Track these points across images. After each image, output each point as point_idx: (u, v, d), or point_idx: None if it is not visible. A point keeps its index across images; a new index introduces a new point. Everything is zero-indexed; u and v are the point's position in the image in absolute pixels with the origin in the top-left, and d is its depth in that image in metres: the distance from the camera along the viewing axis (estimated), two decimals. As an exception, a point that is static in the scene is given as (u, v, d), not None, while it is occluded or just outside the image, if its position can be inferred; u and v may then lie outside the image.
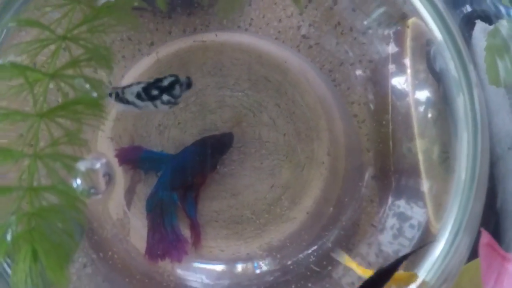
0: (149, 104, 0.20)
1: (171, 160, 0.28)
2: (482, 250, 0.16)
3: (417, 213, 0.25)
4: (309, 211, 0.28)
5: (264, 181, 0.29)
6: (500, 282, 0.16)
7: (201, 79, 0.29)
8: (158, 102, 0.20)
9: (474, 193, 0.20)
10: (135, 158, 0.27)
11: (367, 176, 0.29)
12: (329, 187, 0.28)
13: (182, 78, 0.21)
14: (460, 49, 0.21)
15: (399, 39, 0.27)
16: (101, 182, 0.23)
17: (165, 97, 0.20)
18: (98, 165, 0.24)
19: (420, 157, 0.26)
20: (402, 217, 0.25)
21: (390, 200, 0.27)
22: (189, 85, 0.21)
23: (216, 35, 0.29)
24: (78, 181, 0.22)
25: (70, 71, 0.18)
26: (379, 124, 0.29)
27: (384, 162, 0.28)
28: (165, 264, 0.27)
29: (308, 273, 0.27)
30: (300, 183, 0.29)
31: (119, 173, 0.25)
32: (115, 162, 0.24)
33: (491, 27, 0.23)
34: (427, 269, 0.22)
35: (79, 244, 0.19)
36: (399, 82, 0.28)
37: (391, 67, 0.28)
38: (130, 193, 0.27)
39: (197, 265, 0.27)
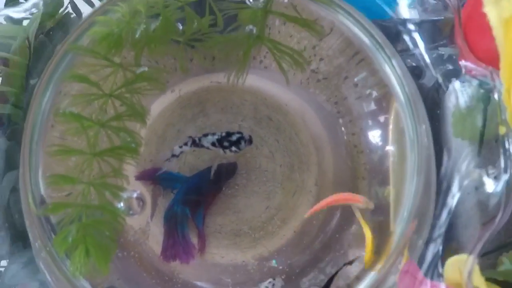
0: (220, 150, 0.28)
1: (186, 181, 0.34)
2: (400, 276, 0.23)
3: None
4: (296, 230, 0.34)
5: (261, 203, 0.34)
6: None
7: (214, 114, 0.35)
8: (227, 151, 0.29)
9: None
10: (157, 177, 0.34)
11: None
12: (314, 212, 0.33)
13: (246, 135, 0.30)
14: (414, 111, 0.27)
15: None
16: (136, 206, 0.31)
17: (233, 148, 0.29)
18: (135, 194, 0.31)
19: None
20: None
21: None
22: (250, 142, 0.30)
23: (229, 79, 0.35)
24: (121, 204, 0.30)
25: (115, 123, 0.25)
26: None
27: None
28: (176, 265, 0.33)
29: (293, 277, 0.33)
30: (290, 207, 0.34)
31: (149, 200, 0.33)
32: (147, 193, 0.32)
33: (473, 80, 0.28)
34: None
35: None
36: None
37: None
38: (153, 206, 0.34)
39: (200, 266, 0.34)
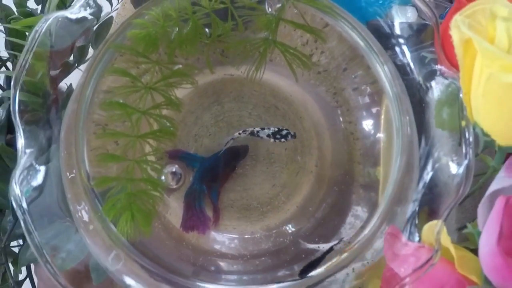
0: (272, 140, 0.37)
1: (203, 161, 0.39)
2: (385, 237, 0.29)
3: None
4: (298, 205, 0.39)
5: (268, 181, 0.39)
6: (399, 263, 0.28)
7: (228, 103, 0.40)
8: (278, 140, 0.36)
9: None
10: (177, 157, 0.39)
11: (355, 184, 0.40)
12: (314, 190, 0.40)
13: (292, 132, 0.37)
14: (400, 105, 0.33)
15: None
16: (173, 180, 0.37)
17: (282, 140, 0.37)
18: (174, 169, 0.37)
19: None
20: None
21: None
22: (295, 136, 0.37)
23: (242, 72, 0.39)
24: (162, 177, 0.36)
25: (154, 111, 0.31)
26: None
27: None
28: (193, 235, 0.38)
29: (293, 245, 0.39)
30: (293, 185, 0.40)
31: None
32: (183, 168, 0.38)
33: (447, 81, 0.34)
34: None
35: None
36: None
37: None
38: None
39: (215, 236, 0.40)
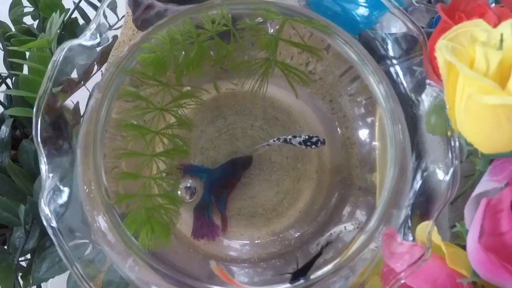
0: (303, 147, 0.40)
1: (210, 173, 0.42)
2: (382, 238, 0.33)
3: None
4: (301, 211, 0.42)
5: (271, 189, 0.42)
6: (395, 260, 0.31)
7: (230, 116, 0.43)
8: (309, 147, 0.39)
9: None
10: (187, 171, 0.42)
11: (354, 188, 0.42)
12: (316, 195, 0.42)
13: (321, 139, 0.40)
14: (392, 115, 0.36)
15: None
16: (188, 193, 0.40)
17: (313, 146, 0.39)
18: (188, 184, 0.40)
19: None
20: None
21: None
22: (323, 143, 0.40)
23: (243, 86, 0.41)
24: (178, 192, 0.40)
25: (166, 130, 0.35)
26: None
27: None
28: (204, 242, 0.41)
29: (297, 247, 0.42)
30: (296, 191, 0.42)
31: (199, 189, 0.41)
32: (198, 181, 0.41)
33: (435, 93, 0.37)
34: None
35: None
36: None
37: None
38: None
39: (224, 242, 0.42)
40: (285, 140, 0.41)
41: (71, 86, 0.38)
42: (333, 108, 0.44)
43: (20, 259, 0.47)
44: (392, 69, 0.38)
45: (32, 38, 0.59)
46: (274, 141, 0.41)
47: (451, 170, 0.28)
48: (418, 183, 0.32)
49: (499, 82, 0.22)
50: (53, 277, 0.46)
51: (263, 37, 0.36)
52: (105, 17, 0.42)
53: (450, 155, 0.28)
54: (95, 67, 0.43)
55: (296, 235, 0.42)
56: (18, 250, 0.48)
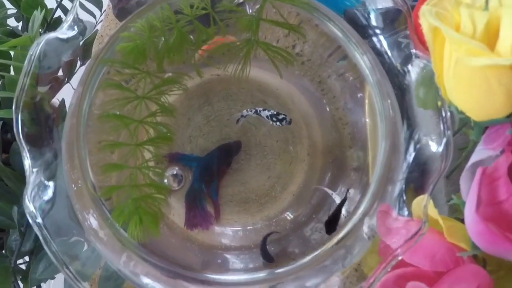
0: (270, 122, 0.39)
1: (200, 161, 0.41)
2: (378, 215, 0.32)
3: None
4: (294, 194, 0.42)
5: (263, 174, 0.41)
6: (391, 236, 0.30)
7: (217, 103, 0.42)
8: (274, 123, 0.39)
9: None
10: (176, 159, 0.41)
11: (347, 168, 0.42)
12: (308, 177, 0.42)
13: (289, 118, 0.39)
14: (380, 90, 0.35)
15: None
16: (176, 181, 0.40)
17: (278, 123, 0.39)
18: (174, 171, 0.39)
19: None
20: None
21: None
22: (289, 122, 0.40)
23: (228, 71, 0.41)
24: (165, 180, 0.39)
25: (149, 119, 0.33)
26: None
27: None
28: (197, 232, 0.40)
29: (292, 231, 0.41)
30: (288, 175, 0.42)
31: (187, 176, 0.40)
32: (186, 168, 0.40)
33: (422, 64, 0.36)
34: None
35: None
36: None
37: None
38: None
39: (218, 230, 0.42)
40: (256, 111, 0.41)
41: (56, 84, 0.37)
42: (323, 89, 0.43)
43: (20, 261, 0.47)
44: (378, 44, 0.37)
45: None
46: (247, 111, 0.41)
47: (444, 140, 0.27)
48: (411, 156, 0.31)
49: (487, 44, 0.21)
50: (52, 277, 0.45)
51: (243, 18, 0.34)
52: (88, 11, 0.40)
53: (441, 125, 0.27)
54: (78, 63, 0.42)
55: (290, 219, 0.42)
56: (15, 253, 0.47)
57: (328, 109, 0.42)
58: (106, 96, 0.36)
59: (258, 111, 0.41)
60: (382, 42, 0.35)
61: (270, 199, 0.42)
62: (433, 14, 0.24)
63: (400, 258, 0.26)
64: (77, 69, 0.42)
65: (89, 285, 0.30)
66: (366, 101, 0.40)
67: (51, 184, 0.31)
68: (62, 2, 0.54)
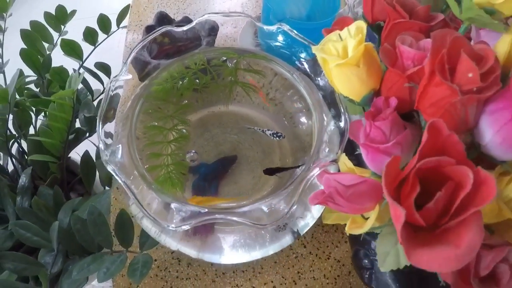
0: (271, 137, 0.59)
1: (205, 167, 0.57)
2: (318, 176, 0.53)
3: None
4: (272, 186, 0.55)
5: (249, 175, 0.56)
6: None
7: (213, 129, 0.60)
8: (274, 138, 0.58)
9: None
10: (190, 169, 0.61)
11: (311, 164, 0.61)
12: (281, 174, 0.58)
13: (283, 134, 0.57)
14: (314, 102, 0.59)
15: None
16: (191, 160, 0.60)
17: (276, 138, 0.58)
18: (192, 153, 0.60)
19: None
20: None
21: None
22: (284, 137, 0.57)
23: (220, 108, 0.63)
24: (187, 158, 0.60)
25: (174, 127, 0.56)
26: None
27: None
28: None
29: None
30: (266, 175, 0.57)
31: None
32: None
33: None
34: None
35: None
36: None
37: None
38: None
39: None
40: (263, 131, 0.60)
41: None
42: (293, 122, 0.63)
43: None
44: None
45: (45, 99, 0.75)
46: (257, 129, 0.60)
47: (343, 118, 0.50)
48: (328, 134, 0.53)
49: (343, 58, 0.45)
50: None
51: (227, 69, 0.59)
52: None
53: (340, 108, 0.50)
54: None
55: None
56: (50, 264, 0.62)
57: (287, 124, 0.65)
58: (144, 116, 0.59)
59: (264, 131, 0.61)
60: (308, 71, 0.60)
61: (255, 192, 0.56)
62: (320, 50, 0.48)
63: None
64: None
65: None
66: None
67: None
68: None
